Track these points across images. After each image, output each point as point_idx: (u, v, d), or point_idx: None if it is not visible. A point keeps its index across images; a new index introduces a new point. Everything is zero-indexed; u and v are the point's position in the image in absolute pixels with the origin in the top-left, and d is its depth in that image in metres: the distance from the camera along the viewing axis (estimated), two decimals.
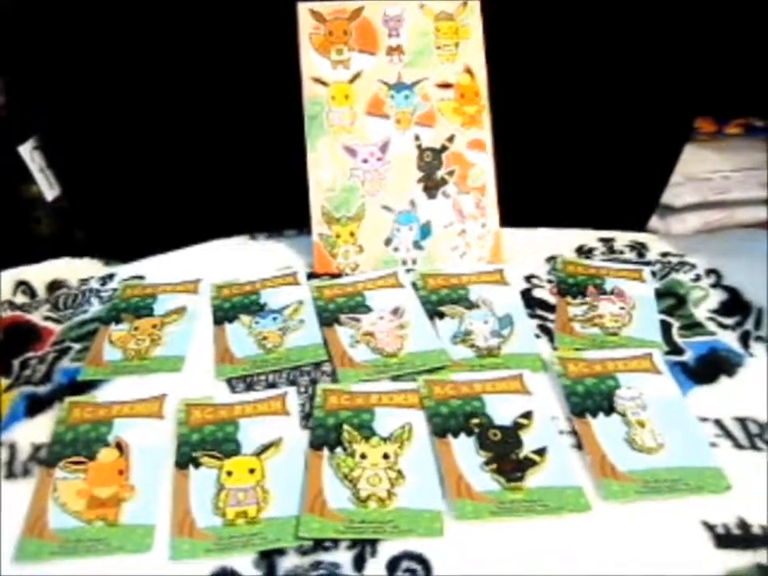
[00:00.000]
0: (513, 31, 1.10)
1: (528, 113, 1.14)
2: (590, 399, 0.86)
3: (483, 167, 1.10)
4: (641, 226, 1.24)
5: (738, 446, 0.81)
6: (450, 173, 1.09)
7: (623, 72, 1.16)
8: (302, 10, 1.09)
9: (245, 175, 1.20)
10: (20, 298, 1.11)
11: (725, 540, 0.71)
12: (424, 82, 1.10)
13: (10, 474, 0.82)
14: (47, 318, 1.06)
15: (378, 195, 1.09)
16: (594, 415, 0.84)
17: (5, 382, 0.94)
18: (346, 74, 1.10)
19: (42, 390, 0.92)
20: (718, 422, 0.84)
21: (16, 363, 0.97)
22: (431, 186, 1.09)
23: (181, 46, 1.13)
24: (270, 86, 1.12)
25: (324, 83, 1.09)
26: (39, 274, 1.15)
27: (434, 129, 1.10)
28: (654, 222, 1.28)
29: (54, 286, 1.13)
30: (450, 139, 1.09)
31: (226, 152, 1.19)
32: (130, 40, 1.13)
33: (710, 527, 0.72)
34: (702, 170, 1.31)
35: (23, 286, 1.12)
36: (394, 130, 1.09)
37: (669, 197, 1.27)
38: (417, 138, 1.09)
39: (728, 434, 0.82)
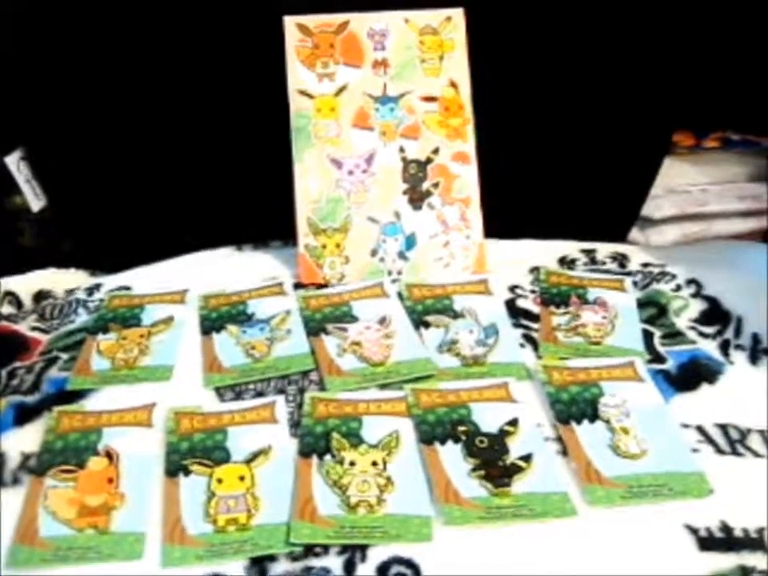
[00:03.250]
0: (496, 45, 1.12)
1: (511, 126, 1.16)
2: (575, 407, 0.87)
3: (467, 179, 1.11)
4: (621, 238, 1.26)
5: (720, 451, 0.83)
6: (435, 185, 1.11)
7: (603, 88, 1.18)
8: (289, 23, 1.10)
9: (230, 186, 1.21)
10: (6, 309, 1.11)
11: (708, 543, 0.73)
12: (409, 95, 1.11)
13: (0, 483, 0.82)
14: (34, 329, 1.06)
15: (363, 206, 1.10)
16: (579, 422, 0.85)
17: None
18: (332, 87, 1.11)
19: (31, 399, 0.92)
20: (700, 429, 0.85)
21: (4, 373, 0.97)
22: (416, 197, 1.11)
23: (168, 57, 1.14)
24: (256, 99, 1.13)
25: (310, 96, 1.10)
26: (25, 284, 1.15)
27: (418, 141, 1.11)
28: (634, 233, 1.30)
29: (41, 296, 1.14)
30: (435, 151, 1.11)
31: (212, 163, 1.20)
32: (117, 51, 1.14)
33: (693, 530, 0.74)
34: (681, 183, 1.34)
35: (9, 296, 1.13)
36: (379, 142, 1.11)
37: (648, 209, 1.29)
38: (402, 150, 1.11)
39: (709, 440, 0.84)
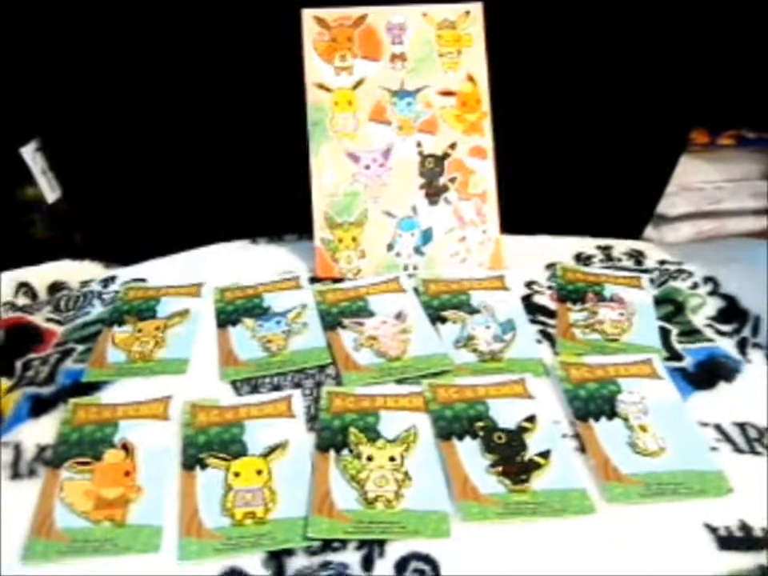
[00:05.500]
0: (515, 40, 1.12)
1: (528, 122, 1.16)
2: (593, 403, 0.87)
3: (484, 174, 1.11)
4: (636, 235, 1.26)
5: (738, 450, 0.82)
6: (452, 179, 1.10)
7: (620, 85, 1.18)
8: (307, 16, 1.10)
9: (246, 179, 1.21)
10: (21, 300, 1.11)
11: (727, 542, 0.73)
12: (426, 90, 1.11)
13: (16, 475, 0.82)
14: (49, 320, 1.06)
15: (380, 201, 1.10)
16: (597, 419, 0.85)
17: (8, 383, 0.94)
18: (350, 81, 1.10)
19: (46, 391, 0.92)
20: (718, 427, 0.85)
21: (19, 364, 0.97)
22: (433, 192, 1.10)
23: (185, 50, 1.14)
24: (273, 92, 1.12)
25: (327, 89, 1.10)
26: (40, 275, 1.15)
27: (435, 136, 1.11)
28: (648, 230, 1.30)
29: (55, 287, 1.14)
30: (452, 146, 1.11)
31: (229, 156, 1.20)
32: (134, 44, 1.14)
33: (713, 529, 0.74)
34: (696, 181, 1.33)
35: (24, 287, 1.13)
36: (396, 137, 1.10)
37: (663, 206, 1.29)
38: (419, 144, 1.10)
39: (728, 439, 0.84)
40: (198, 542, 0.74)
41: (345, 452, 0.81)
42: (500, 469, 0.79)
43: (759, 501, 0.76)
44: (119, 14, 1.13)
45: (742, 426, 0.85)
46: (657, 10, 1.14)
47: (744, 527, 0.74)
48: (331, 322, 1.00)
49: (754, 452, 0.82)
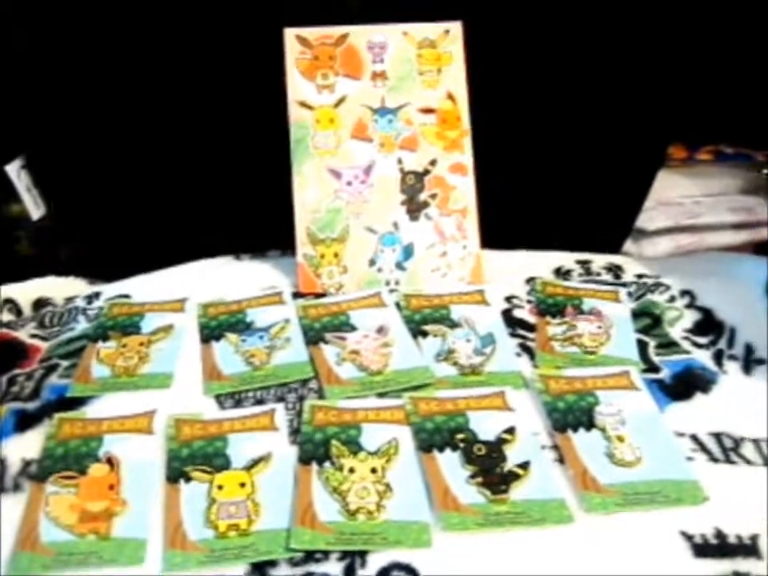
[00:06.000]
0: (493, 59, 1.13)
1: (508, 138, 1.17)
2: (571, 415, 0.88)
3: (464, 191, 1.12)
4: (615, 249, 1.27)
5: (713, 459, 0.84)
6: (432, 196, 1.12)
7: (598, 101, 1.20)
8: (289, 35, 1.11)
9: (229, 196, 1.22)
10: (6, 316, 1.12)
11: (702, 549, 0.74)
12: (407, 107, 1.12)
13: (1, 489, 0.82)
14: (34, 336, 1.06)
15: (361, 217, 1.11)
16: (575, 430, 0.86)
17: None
18: (331, 98, 1.12)
19: (31, 406, 0.93)
20: (694, 437, 0.86)
21: (4, 380, 0.97)
22: (414, 208, 1.12)
23: (170, 68, 1.15)
24: (256, 110, 1.14)
25: (309, 107, 1.12)
26: (24, 292, 1.15)
27: (416, 153, 1.12)
28: (628, 245, 1.30)
29: (40, 304, 1.14)
30: (432, 163, 1.12)
31: (212, 173, 1.21)
32: (118, 61, 1.15)
33: (689, 537, 0.75)
34: (674, 195, 1.35)
35: (9, 303, 1.13)
36: (377, 154, 1.12)
37: (642, 221, 1.30)
38: (400, 161, 1.12)
39: (703, 448, 0.85)
40: (183, 554, 0.74)
41: (327, 464, 0.82)
42: (480, 480, 0.80)
43: (734, 509, 0.78)
44: (105, 34, 1.14)
45: (717, 436, 0.87)
46: (634, 27, 1.16)
47: (719, 535, 0.75)
48: (314, 336, 1.01)
49: (729, 461, 0.84)
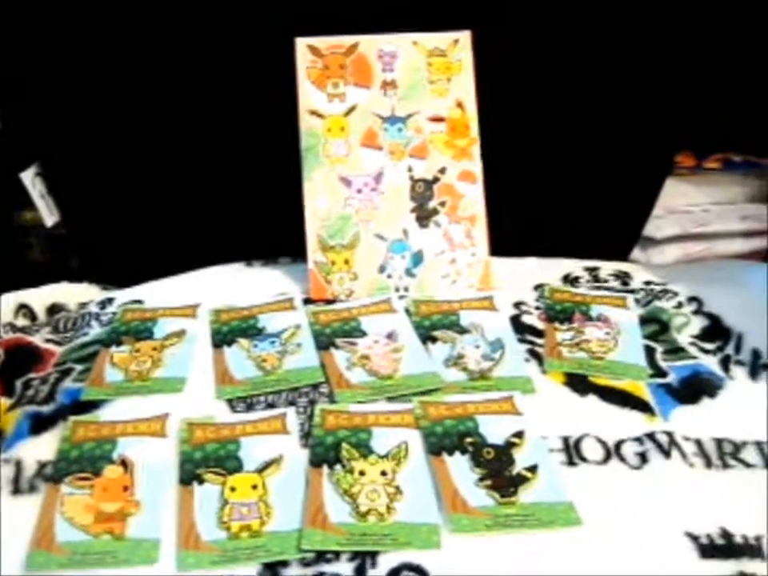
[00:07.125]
0: (503, 68, 1.14)
1: (516, 146, 1.18)
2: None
3: (473, 198, 1.13)
4: (623, 257, 1.28)
5: (717, 462, 0.85)
6: (442, 203, 1.13)
7: (606, 109, 1.21)
8: (300, 44, 1.13)
9: (241, 204, 1.23)
10: (21, 321, 1.13)
11: (709, 550, 0.75)
12: (417, 116, 1.14)
13: (17, 490, 0.83)
14: (48, 341, 1.08)
15: (371, 224, 1.12)
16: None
17: (8, 401, 0.96)
18: (342, 107, 1.13)
19: (46, 409, 0.94)
20: (698, 441, 0.87)
21: (19, 384, 0.99)
22: (423, 215, 1.13)
23: (181, 76, 1.17)
24: (268, 118, 1.15)
25: (320, 116, 1.13)
26: (39, 297, 1.17)
27: (426, 161, 1.13)
28: (636, 253, 1.31)
29: (54, 309, 1.16)
30: (442, 171, 1.13)
31: (224, 182, 1.22)
32: (131, 70, 1.17)
33: (694, 538, 0.76)
34: (682, 203, 1.35)
35: (24, 309, 1.15)
36: (387, 162, 1.13)
37: (650, 229, 1.31)
38: (410, 169, 1.13)
39: (706, 452, 0.86)
40: (195, 554, 0.76)
41: (338, 467, 0.83)
42: (489, 482, 0.81)
43: (739, 510, 0.79)
44: (117, 47, 1.16)
45: (721, 440, 0.87)
46: (642, 34, 1.16)
47: (725, 535, 0.76)
48: (324, 341, 1.02)
49: (731, 465, 0.85)
